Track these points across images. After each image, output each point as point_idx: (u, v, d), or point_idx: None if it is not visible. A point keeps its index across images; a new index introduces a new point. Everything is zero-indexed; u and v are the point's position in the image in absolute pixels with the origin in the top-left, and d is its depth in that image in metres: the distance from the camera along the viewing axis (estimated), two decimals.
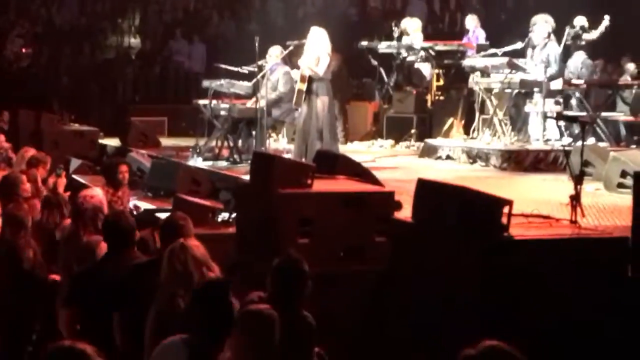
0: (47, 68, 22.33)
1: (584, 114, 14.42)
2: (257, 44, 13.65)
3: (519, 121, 14.80)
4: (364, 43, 18.44)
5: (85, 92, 21.74)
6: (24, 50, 22.17)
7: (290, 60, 14.42)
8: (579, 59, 15.96)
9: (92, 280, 6.79)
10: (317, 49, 12.92)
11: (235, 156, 13.57)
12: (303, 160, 11.83)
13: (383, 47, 17.91)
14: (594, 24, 15.86)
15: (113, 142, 16.65)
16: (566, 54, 15.55)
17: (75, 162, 13.75)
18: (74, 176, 12.81)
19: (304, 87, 12.98)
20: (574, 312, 6.90)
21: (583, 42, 15.86)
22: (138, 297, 6.36)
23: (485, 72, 15.12)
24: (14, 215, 8.41)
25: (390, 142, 17.06)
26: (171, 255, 6.13)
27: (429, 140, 15.78)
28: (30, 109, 17.14)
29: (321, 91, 12.88)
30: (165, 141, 16.84)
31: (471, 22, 18.43)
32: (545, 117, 14.23)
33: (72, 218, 8.34)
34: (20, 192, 9.49)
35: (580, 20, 15.80)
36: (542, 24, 14.77)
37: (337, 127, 13.71)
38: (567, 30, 15.38)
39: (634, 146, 13.65)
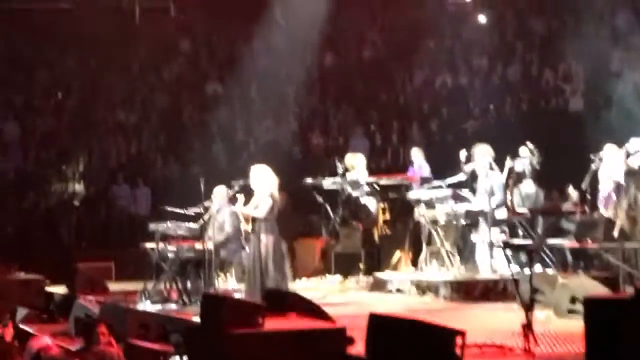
0: None
1: (530, 242, 14.51)
2: (202, 185, 13.69)
3: (466, 251, 14.88)
4: (309, 180, 18.42)
5: (29, 240, 21.53)
6: None
7: (235, 200, 14.46)
8: (532, 188, 16.02)
9: None
10: (260, 191, 13.01)
11: (185, 298, 13.45)
12: (254, 300, 11.76)
13: (328, 183, 17.89)
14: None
15: (60, 289, 16.43)
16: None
17: (22, 311, 13.56)
18: (21, 326, 12.62)
19: (249, 227, 13.09)
20: None
21: (537, 168, 15.90)
22: None
23: (430, 205, 15.23)
24: None
25: (339, 277, 17.02)
26: None
27: (378, 274, 15.78)
28: None
29: (264, 231, 12.94)
30: (113, 286, 16.64)
31: (417, 154, 18.62)
32: (491, 246, 14.32)
33: None
34: None
35: (525, 151, 15.91)
36: (481, 154, 14.97)
37: (286, 264, 13.73)
38: (509, 162, 15.43)
39: (580, 271, 13.73)
